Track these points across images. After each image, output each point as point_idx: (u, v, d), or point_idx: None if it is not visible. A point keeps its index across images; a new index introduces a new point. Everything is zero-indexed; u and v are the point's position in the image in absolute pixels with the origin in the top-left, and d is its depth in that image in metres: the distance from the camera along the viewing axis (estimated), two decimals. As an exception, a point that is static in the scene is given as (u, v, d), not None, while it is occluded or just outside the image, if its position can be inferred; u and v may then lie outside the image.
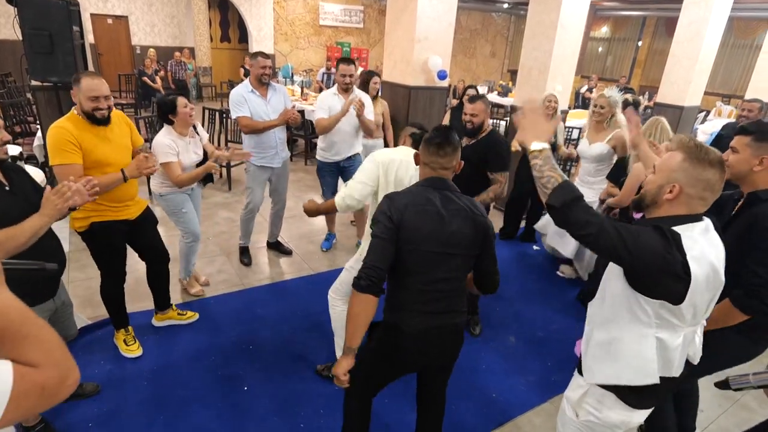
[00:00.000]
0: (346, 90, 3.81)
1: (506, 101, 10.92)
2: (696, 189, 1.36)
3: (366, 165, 2.30)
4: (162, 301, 2.98)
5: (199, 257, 3.97)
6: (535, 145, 1.48)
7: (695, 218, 1.38)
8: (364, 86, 4.42)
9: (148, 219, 2.71)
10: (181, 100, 2.86)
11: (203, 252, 4.08)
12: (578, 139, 6.64)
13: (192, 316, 3.10)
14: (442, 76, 6.50)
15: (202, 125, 6.19)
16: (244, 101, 3.45)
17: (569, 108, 6.65)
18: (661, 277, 1.31)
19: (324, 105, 3.81)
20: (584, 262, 4.01)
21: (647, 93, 11.31)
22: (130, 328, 2.77)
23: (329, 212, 2.64)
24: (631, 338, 1.44)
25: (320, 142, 4.00)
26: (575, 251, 3.94)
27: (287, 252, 4.17)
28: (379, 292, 1.59)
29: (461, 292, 1.78)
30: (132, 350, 2.71)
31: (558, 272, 4.21)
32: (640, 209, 1.53)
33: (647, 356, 1.41)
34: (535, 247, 4.69)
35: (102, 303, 2.68)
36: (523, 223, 4.87)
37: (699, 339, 1.50)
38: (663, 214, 1.42)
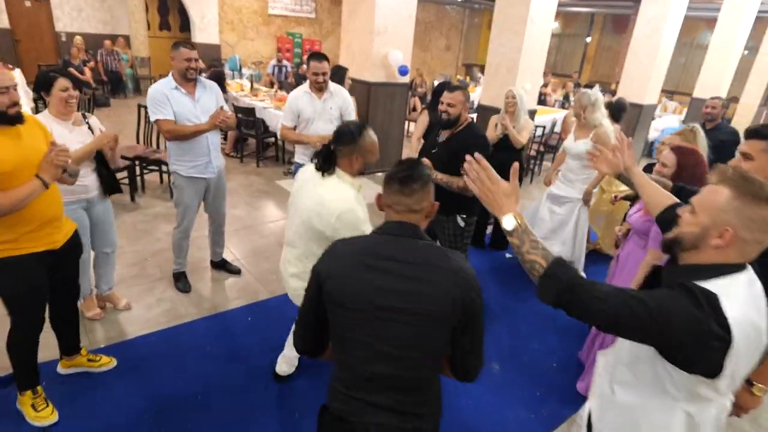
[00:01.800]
0: (320, 89, 3.38)
1: (464, 96, 10.71)
2: (752, 232, 1.09)
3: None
4: (71, 344, 2.46)
5: (136, 283, 3.42)
6: (506, 222, 1.20)
7: (738, 267, 1.12)
8: (339, 84, 3.99)
9: (74, 249, 2.19)
10: (60, 82, 2.40)
11: (140, 276, 3.52)
12: (550, 133, 6.49)
13: (108, 362, 2.57)
14: (403, 71, 6.13)
15: (138, 126, 5.53)
16: (166, 101, 2.89)
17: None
18: (696, 353, 1.05)
19: (292, 109, 3.37)
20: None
21: (599, 87, 11.47)
22: (39, 388, 2.21)
23: None
24: (655, 408, 1.20)
25: (299, 146, 3.57)
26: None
27: (235, 271, 3.68)
28: (317, 354, 1.45)
29: (421, 386, 1.32)
30: (44, 416, 2.17)
31: None
32: (671, 251, 1.24)
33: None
34: (507, 255, 4.44)
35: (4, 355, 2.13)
36: (489, 229, 4.61)
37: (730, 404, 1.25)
38: (704, 260, 1.15)
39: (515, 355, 3.07)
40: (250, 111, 6.21)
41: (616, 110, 4.20)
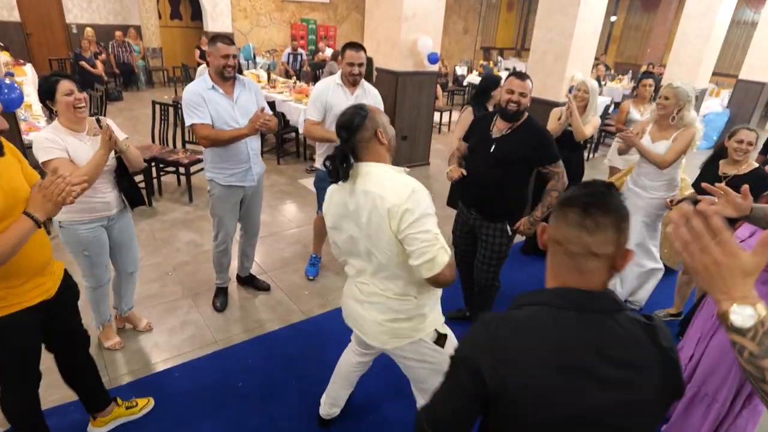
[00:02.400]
0: (353, 83, 3.02)
1: (489, 83, 10.20)
2: None
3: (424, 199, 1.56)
4: (98, 400, 2.12)
5: (157, 302, 3.12)
6: (738, 315, 0.72)
7: None
8: (368, 78, 3.61)
9: (69, 291, 1.85)
10: (63, 85, 2.08)
11: (161, 294, 3.22)
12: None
13: (146, 404, 2.28)
14: (433, 59, 5.69)
15: (153, 124, 5.20)
16: (203, 102, 2.58)
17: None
18: None
19: (320, 102, 3.00)
20: (627, 284, 3.42)
21: (631, 72, 10.84)
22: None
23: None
24: None
25: (319, 147, 3.21)
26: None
27: (265, 288, 3.35)
28: None
29: None
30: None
31: None
32: None
33: None
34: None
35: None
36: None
37: None
38: None
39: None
40: (269, 104, 5.83)
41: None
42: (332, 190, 1.72)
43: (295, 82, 6.84)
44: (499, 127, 2.52)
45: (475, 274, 2.74)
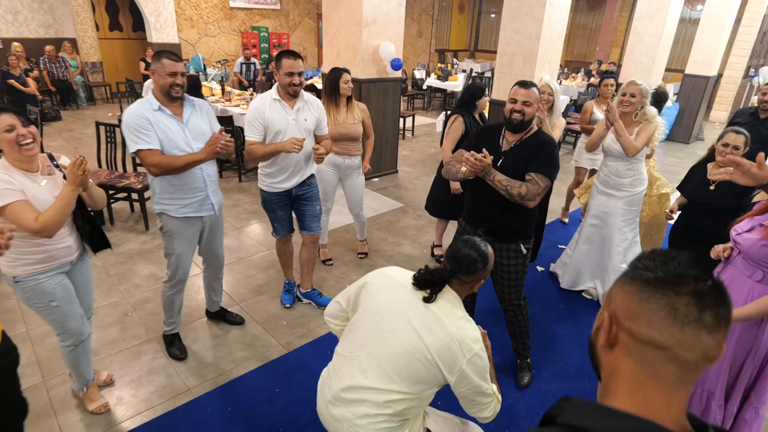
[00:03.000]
0: (294, 95, 2.75)
1: (448, 85, 10.20)
2: None
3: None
4: None
5: (117, 349, 2.79)
6: None
7: None
8: (333, 88, 3.36)
9: (8, 353, 1.56)
10: (2, 118, 1.78)
11: (121, 339, 2.88)
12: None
13: None
14: (396, 65, 5.53)
15: (98, 147, 4.75)
16: (149, 126, 2.25)
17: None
18: None
19: (258, 121, 2.72)
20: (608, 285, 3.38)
21: (582, 69, 11.14)
22: None
23: None
24: None
25: (264, 167, 2.93)
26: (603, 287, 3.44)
27: (238, 321, 3.06)
28: None
29: None
30: None
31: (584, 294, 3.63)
32: None
33: None
34: (539, 268, 3.98)
35: None
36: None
37: None
38: None
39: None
40: (226, 120, 5.50)
41: (659, 101, 3.74)
42: (399, 280, 1.64)
43: (251, 94, 6.52)
44: (508, 140, 2.35)
45: (498, 296, 2.59)
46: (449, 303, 1.56)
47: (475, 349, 1.48)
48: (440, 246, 4.06)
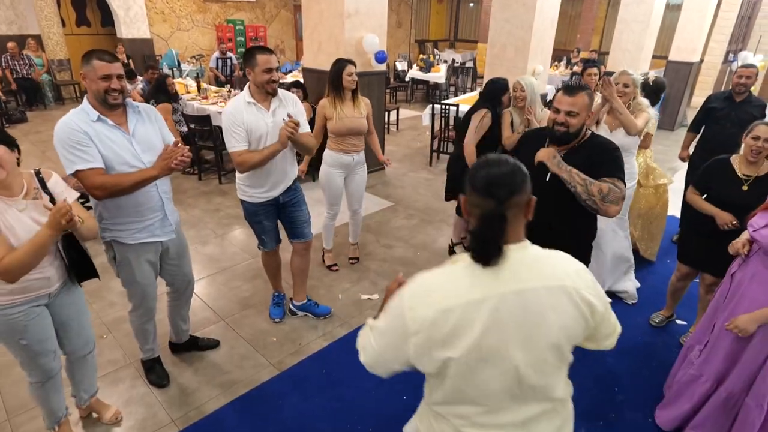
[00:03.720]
0: (272, 93, 2.51)
1: (431, 77, 10.00)
2: None
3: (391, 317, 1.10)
4: None
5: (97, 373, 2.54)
6: None
7: None
8: (337, 81, 3.15)
9: None
10: None
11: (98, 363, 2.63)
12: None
13: None
14: (380, 57, 5.32)
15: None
16: (88, 140, 1.91)
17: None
18: None
19: (239, 127, 2.47)
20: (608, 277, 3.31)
21: (565, 58, 11.05)
22: None
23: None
24: None
25: (243, 177, 2.70)
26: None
27: (213, 345, 2.82)
28: None
29: None
30: None
31: None
32: None
33: None
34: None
35: None
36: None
37: None
38: None
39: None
40: (203, 119, 5.22)
41: (657, 90, 3.61)
42: (465, 303, 1.02)
43: (229, 91, 6.23)
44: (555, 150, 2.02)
45: None
46: (538, 257, 1.09)
47: (594, 286, 1.10)
48: (460, 244, 3.86)
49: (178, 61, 9.48)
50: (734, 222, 2.38)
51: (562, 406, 1.16)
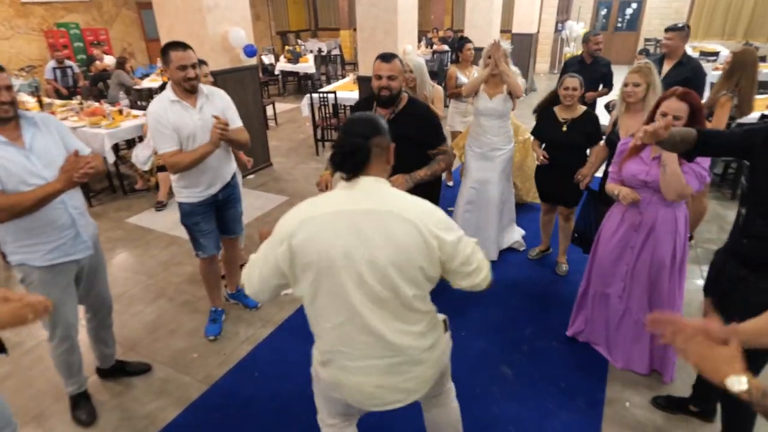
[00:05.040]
0: (192, 91, 2.42)
1: (301, 68, 9.91)
2: None
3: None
4: None
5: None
6: (733, 383, 0.89)
7: None
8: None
9: None
10: None
11: (13, 403, 2.27)
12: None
13: None
14: (250, 51, 5.15)
15: None
16: None
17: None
18: None
19: (167, 127, 2.36)
20: (504, 236, 3.70)
21: (424, 39, 11.68)
22: None
23: None
24: None
25: (176, 178, 2.56)
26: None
27: (144, 370, 2.63)
28: None
29: None
30: None
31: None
32: None
33: None
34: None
35: None
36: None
37: None
38: None
39: (517, 345, 2.79)
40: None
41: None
42: (319, 216, 1.28)
43: (80, 103, 5.54)
44: (380, 113, 2.35)
45: None
46: (391, 192, 1.34)
47: (444, 222, 1.33)
48: None
49: (4, 76, 8.12)
50: (544, 155, 3.12)
51: (425, 327, 1.41)
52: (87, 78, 8.60)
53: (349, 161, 1.30)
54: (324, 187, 2.34)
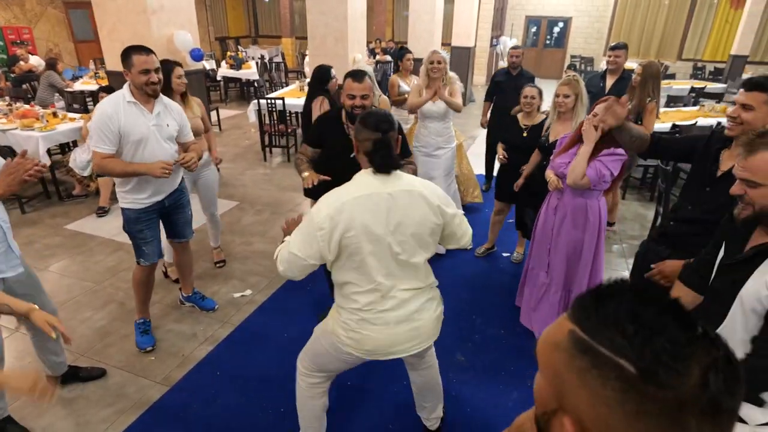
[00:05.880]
0: (153, 95, 2.40)
1: (243, 74, 9.80)
2: None
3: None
4: None
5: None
6: None
7: None
8: (165, 84, 2.97)
9: None
10: None
11: None
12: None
13: None
14: (196, 55, 5.11)
15: None
16: None
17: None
18: None
19: (110, 129, 2.30)
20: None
21: (366, 50, 11.91)
22: None
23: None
24: None
25: (120, 182, 2.51)
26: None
27: (98, 375, 2.55)
28: None
29: None
30: None
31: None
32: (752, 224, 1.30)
33: None
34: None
35: None
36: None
37: None
38: None
39: (470, 335, 2.99)
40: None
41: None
42: (353, 199, 1.56)
43: (9, 105, 5.21)
44: (351, 128, 2.45)
45: None
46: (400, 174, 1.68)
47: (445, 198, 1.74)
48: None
49: None
50: (504, 156, 3.36)
51: (429, 288, 1.81)
52: (9, 79, 8.02)
53: (390, 153, 1.60)
54: (309, 183, 2.35)
